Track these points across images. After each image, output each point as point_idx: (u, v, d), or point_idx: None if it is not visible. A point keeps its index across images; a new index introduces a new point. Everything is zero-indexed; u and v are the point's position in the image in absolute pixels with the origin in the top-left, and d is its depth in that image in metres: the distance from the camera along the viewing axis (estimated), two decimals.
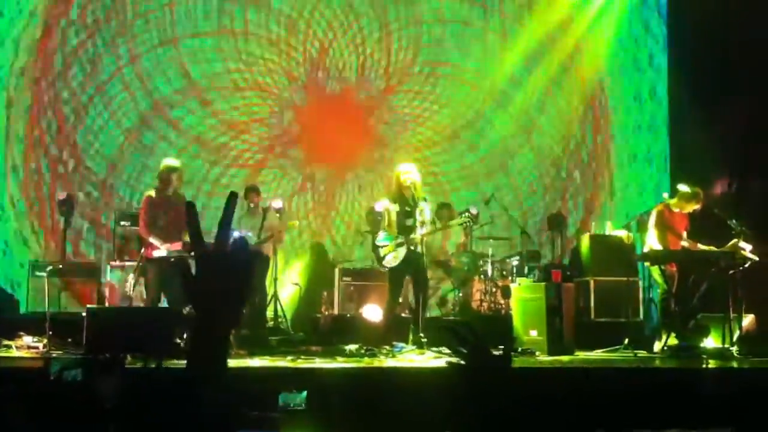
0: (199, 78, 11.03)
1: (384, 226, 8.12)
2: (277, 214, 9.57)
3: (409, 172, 7.97)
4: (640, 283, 9.73)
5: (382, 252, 8.03)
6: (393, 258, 7.95)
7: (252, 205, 9.37)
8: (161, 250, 7.65)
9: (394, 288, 8.14)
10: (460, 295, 10.06)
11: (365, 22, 11.60)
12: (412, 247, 7.89)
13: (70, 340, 7.60)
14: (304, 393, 4.85)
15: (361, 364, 6.78)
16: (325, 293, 9.93)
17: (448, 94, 11.78)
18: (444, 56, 11.83)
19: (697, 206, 8.48)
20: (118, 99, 10.77)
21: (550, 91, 12.04)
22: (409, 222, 7.96)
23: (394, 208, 7.98)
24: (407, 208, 7.98)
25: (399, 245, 7.92)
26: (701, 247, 8.41)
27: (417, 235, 7.86)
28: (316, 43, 11.44)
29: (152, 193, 7.99)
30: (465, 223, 8.62)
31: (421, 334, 7.67)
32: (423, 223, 7.91)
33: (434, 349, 7.57)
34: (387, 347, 7.65)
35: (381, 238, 8.09)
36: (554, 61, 11.97)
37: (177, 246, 7.58)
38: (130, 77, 10.79)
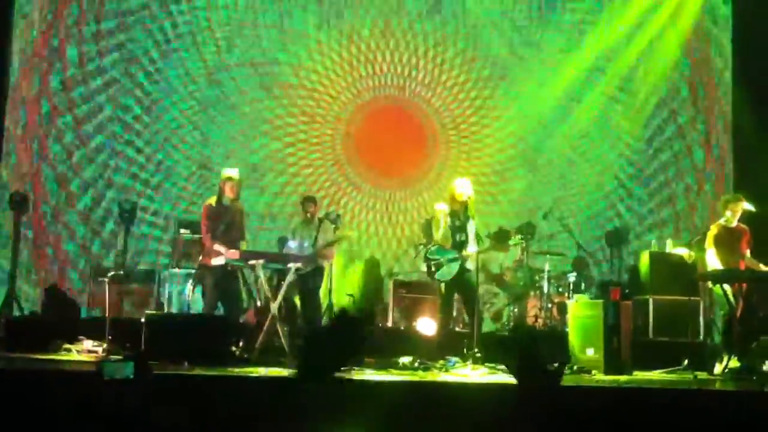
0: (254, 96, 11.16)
1: (436, 238, 8.11)
2: (333, 225, 9.61)
3: (463, 187, 7.98)
4: (701, 302, 9.53)
5: (433, 266, 8.01)
6: (445, 272, 7.93)
7: (308, 215, 9.43)
8: (219, 258, 7.75)
9: (445, 302, 8.12)
10: (515, 310, 9.97)
11: (419, 36, 11.61)
12: (464, 263, 7.88)
13: (128, 345, 7.74)
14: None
15: (415, 378, 6.76)
16: (379, 305, 9.94)
17: (504, 108, 11.70)
18: (501, 70, 11.77)
19: (744, 206, 8.25)
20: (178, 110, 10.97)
21: (609, 105, 11.88)
22: (461, 237, 7.95)
23: (447, 220, 7.99)
24: (457, 223, 8.00)
25: (451, 260, 7.90)
26: (764, 267, 8.19)
27: (469, 251, 7.85)
28: (378, 57, 11.50)
29: (211, 201, 8.13)
30: (518, 244, 8.56)
31: (476, 349, 7.62)
32: (476, 240, 7.91)
33: (489, 364, 7.51)
34: (441, 361, 7.62)
35: (433, 251, 8.07)
36: (614, 76, 11.81)
37: (234, 254, 7.66)
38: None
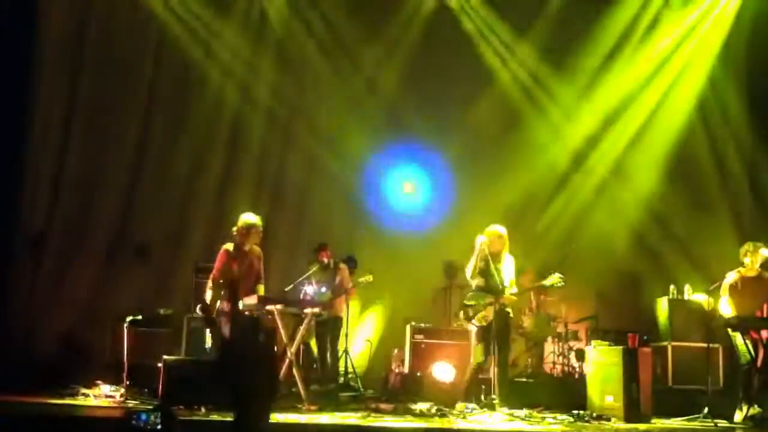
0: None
1: (472, 281, 8.10)
2: (350, 270, 9.64)
3: (501, 237, 8.02)
4: (721, 349, 9.45)
5: (471, 311, 7.99)
6: (482, 317, 7.90)
7: (325, 260, 9.46)
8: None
9: (485, 347, 7.93)
10: (533, 356, 9.91)
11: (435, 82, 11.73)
12: (501, 307, 7.85)
13: (146, 390, 7.75)
14: None
15: (432, 425, 6.73)
16: (396, 350, 9.91)
17: (522, 154, 11.74)
18: (519, 116, 11.84)
19: (763, 254, 8.22)
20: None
21: (627, 152, 11.90)
22: (496, 281, 7.92)
23: (483, 264, 7.98)
24: (492, 269, 7.97)
25: (488, 304, 7.88)
26: None
27: (507, 294, 7.85)
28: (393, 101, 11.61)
29: (230, 246, 8.15)
30: (557, 283, 8.47)
31: (493, 396, 7.57)
32: (511, 283, 7.91)
33: (506, 410, 7.46)
34: (458, 407, 7.57)
35: (470, 296, 8.07)
36: (633, 122, 11.84)
37: (252, 299, 7.68)
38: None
